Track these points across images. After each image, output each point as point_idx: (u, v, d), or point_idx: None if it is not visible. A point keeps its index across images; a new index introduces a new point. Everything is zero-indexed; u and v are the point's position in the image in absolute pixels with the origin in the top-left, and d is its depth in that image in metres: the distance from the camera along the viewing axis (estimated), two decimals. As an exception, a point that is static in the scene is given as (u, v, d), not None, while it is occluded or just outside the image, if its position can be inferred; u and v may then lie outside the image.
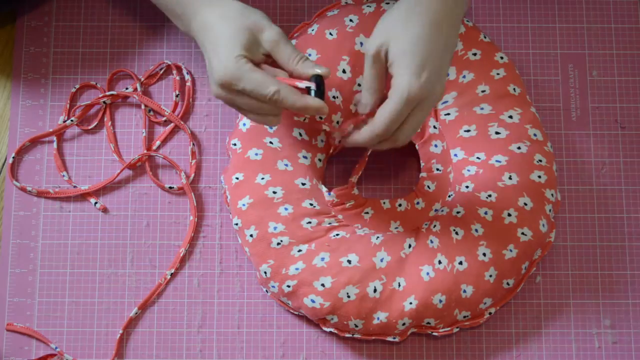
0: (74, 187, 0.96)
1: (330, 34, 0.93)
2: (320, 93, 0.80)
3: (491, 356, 0.93)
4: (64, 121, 0.97)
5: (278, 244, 0.89)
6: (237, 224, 0.91)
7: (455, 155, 0.93)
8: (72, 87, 0.98)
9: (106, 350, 0.93)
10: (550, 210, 0.92)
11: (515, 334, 0.94)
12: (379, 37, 0.78)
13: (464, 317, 0.90)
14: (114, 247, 0.95)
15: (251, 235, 0.90)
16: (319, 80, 0.80)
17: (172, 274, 0.94)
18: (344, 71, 0.92)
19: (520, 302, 0.94)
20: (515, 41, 1.00)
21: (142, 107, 0.98)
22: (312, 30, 0.94)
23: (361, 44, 0.93)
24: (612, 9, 1.01)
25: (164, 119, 0.98)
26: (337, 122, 0.93)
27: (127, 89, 0.98)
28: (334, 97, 0.92)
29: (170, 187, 0.96)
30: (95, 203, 0.96)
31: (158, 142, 0.97)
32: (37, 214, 0.96)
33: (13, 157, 0.97)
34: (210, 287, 0.94)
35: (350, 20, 0.93)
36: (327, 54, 0.92)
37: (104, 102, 0.97)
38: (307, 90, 0.80)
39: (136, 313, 0.94)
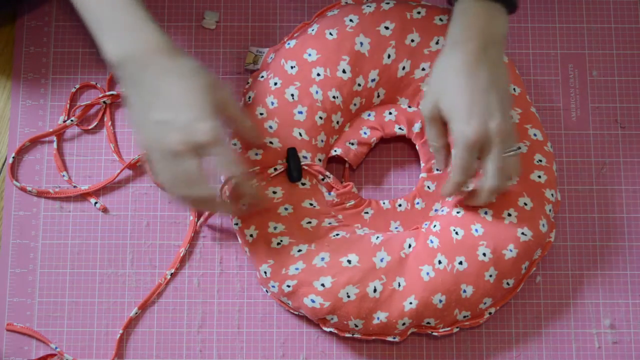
0: (74, 187, 0.96)
1: (330, 33, 0.93)
2: (295, 166, 0.89)
3: (491, 356, 0.93)
4: (64, 121, 0.97)
5: (278, 244, 0.89)
6: (237, 224, 0.91)
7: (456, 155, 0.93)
8: (72, 87, 0.98)
9: (106, 350, 0.93)
10: (550, 210, 0.92)
11: (515, 334, 0.94)
12: (431, 98, 0.84)
13: (464, 317, 0.90)
14: (114, 247, 0.95)
15: (251, 235, 0.90)
16: (291, 152, 0.88)
17: (172, 274, 0.94)
18: (344, 71, 0.92)
19: (520, 302, 0.94)
20: (515, 41, 1.00)
21: (142, 107, 0.98)
22: (312, 30, 0.94)
23: (361, 43, 0.92)
24: (612, 9, 1.01)
25: (164, 119, 0.98)
26: (337, 122, 0.93)
27: (127, 89, 0.98)
28: (334, 97, 0.92)
29: (170, 187, 0.96)
30: (95, 203, 0.96)
31: (158, 142, 0.97)
32: (37, 214, 0.96)
33: (13, 157, 0.97)
34: (210, 287, 0.94)
35: (351, 20, 0.93)
36: (327, 53, 0.92)
37: (104, 102, 0.97)
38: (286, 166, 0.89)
39: (136, 313, 0.94)
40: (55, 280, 0.94)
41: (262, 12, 1.00)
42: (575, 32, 1.01)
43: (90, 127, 0.98)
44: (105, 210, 0.96)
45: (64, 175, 0.96)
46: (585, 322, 0.94)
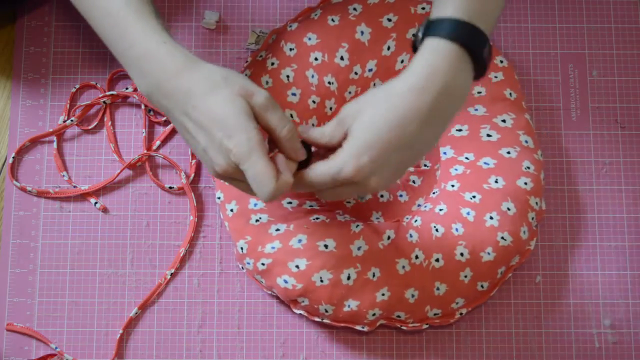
0: (74, 187, 0.96)
1: (333, 20, 0.93)
2: (306, 162, 0.78)
3: (491, 356, 0.93)
4: (64, 121, 0.97)
5: (257, 220, 0.89)
6: (219, 198, 0.91)
7: (445, 153, 0.94)
8: (72, 87, 0.98)
9: (106, 350, 0.93)
10: (533, 219, 0.91)
11: (515, 334, 0.94)
12: (355, 106, 0.74)
13: (435, 314, 0.90)
14: (114, 247, 0.95)
15: (232, 210, 0.90)
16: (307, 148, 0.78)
17: (172, 274, 0.94)
18: (341, 58, 0.92)
19: (520, 302, 0.94)
20: (515, 41, 1.00)
21: (142, 107, 0.98)
22: (315, 15, 0.94)
23: (362, 32, 0.93)
24: (612, 9, 1.01)
25: (164, 118, 0.98)
26: (331, 108, 0.93)
27: (127, 89, 0.98)
28: (329, 82, 0.92)
29: (170, 187, 0.96)
30: (95, 203, 0.96)
31: (158, 142, 0.97)
32: (37, 214, 0.96)
33: (13, 157, 0.97)
34: (210, 287, 0.94)
35: (354, 9, 0.93)
36: (327, 39, 0.92)
37: (104, 102, 0.97)
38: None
39: (136, 313, 0.94)
40: (55, 280, 0.94)
41: (262, 12, 1.00)
42: (575, 32, 1.01)
43: (90, 127, 0.98)
44: (105, 210, 0.96)
45: (64, 175, 0.96)
46: (585, 322, 0.94)
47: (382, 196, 0.93)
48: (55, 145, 0.97)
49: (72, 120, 0.97)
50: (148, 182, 0.97)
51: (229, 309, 0.94)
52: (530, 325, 0.94)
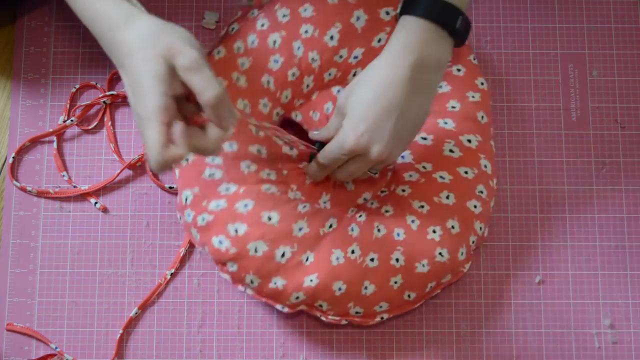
0: (74, 187, 0.96)
1: None
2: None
3: (491, 356, 0.93)
4: (64, 121, 0.97)
5: (210, 175, 0.88)
6: None
7: (402, 157, 0.93)
8: (72, 87, 0.98)
9: (106, 350, 0.93)
10: (473, 242, 0.91)
11: (515, 334, 0.94)
12: (345, 92, 0.84)
13: (356, 312, 0.89)
14: (114, 247, 0.95)
15: (187, 160, 0.89)
16: (319, 145, 0.88)
17: (172, 274, 0.94)
18: (331, 37, 0.92)
19: (520, 302, 0.94)
20: (515, 41, 1.00)
21: (142, 107, 0.98)
22: None
23: (357, 18, 0.92)
24: (612, 9, 1.01)
25: (164, 119, 0.98)
26: (307, 86, 0.93)
27: (127, 89, 0.98)
28: (312, 59, 0.91)
29: (170, 187, 0.96)
30: (95, 203, 0.96)
31: (158, 142, 0.97)
32: (37, 214, 0.96)
33: (13, 157, 0.97)
34: (210, 287, 0.94)
35: None
36: (322, 15, 0.91)
37: (104, 102, 0.97)
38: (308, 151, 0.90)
39: (136, 313, 0.94)
40: (55, 280, 0.94)
41: (262, 12, 1.00)
42: (575, 32, 1.01)
43: (90, 127, 0.98)
44: (105, 210, 0.96)
45: (64, 175, 0.96)
46: (585, 322, 0.94)
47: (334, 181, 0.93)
48: (55, 145, 0.97)
49: (72, 120, 0.97)
50: (148, 182, 0.97)
51: (229, 309, 0.94)
52: (530, 325, 0.94)
